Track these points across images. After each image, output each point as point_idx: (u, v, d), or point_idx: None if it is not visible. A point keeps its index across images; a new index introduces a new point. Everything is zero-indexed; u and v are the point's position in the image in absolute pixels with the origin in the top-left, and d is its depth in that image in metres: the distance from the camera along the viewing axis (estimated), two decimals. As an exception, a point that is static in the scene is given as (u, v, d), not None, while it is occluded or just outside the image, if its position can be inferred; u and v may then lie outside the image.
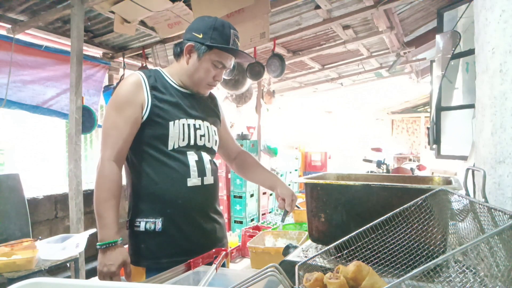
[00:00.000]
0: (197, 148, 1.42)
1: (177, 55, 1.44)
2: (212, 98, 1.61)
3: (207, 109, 1.52)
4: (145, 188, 1.35)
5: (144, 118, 1.34)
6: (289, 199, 1.50)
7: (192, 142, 1.40)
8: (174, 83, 1.43)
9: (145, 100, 1.34)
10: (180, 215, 1.35)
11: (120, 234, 1.29)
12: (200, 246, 1.37)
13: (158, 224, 1.32)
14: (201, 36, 1.36)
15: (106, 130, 1.33)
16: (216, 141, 1.53)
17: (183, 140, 1.37)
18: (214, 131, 1.51)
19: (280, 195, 1.51)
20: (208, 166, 1.44)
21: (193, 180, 1.38)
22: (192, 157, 1.39)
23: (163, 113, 1.35)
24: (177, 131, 1.36)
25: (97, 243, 1.26)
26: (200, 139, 1.43)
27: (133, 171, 1.38)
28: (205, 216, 1.43)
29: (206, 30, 1.36)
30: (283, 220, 1.54)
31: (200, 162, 1.41)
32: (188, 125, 1.39)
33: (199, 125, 1.43)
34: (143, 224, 1.33)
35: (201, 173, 1.40)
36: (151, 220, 1.33)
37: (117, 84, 4.09)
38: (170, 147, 1.35)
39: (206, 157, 1.44)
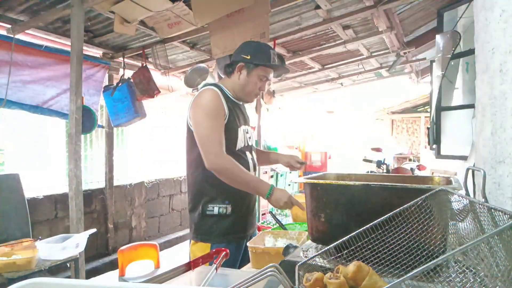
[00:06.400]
0: (249, 148, 1.82)
1: (229, 72, 1.80)
2: (244, 106, 1.96)
3: (246, 116, 1.92)
4: (219, 181, 1.64)
5: (224, 124, 1.69)
6: (292, 160, 1.99)
7: (246, 144, 1.80)
8: (231, 96, 1.79)
9: (225, 110, 1.70)
10: (242, 200, 1.74)
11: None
12: (250, 224, 1.80)
13: (228, 208, 1.69)
14: (249, 57, 1.73)
15: (207, 135, 1.63)
16: (255, 141, 1.92)
17: (243, 142, 1.77)
18: (252, 133, 1.91)
19: (282, 163, 2.01)
20: (256, 162, 1.87)
21: (251, 173, 1.76)
22: (248, 155, 1.79)
23: (234, 121, 1.73)
24: (242, 135, 1.76)
25: (266, 195, 1.63)
26: (249, 141, 1.83)
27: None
28: (254, 201, 1.85)
29: (253, 52, 1.74)
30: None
31: (252, 159, 1.83)
32: (244, 129, 1.80)
33: (247, 129, 1.84)
34: (216, 209, 1.69)
35: (254, 167, 1.83)
36: (223, 205, 1.69)
37: (123, 83, 4.09)
38: (237, 148, 1.73)
39: (254, 154, 1.87)
